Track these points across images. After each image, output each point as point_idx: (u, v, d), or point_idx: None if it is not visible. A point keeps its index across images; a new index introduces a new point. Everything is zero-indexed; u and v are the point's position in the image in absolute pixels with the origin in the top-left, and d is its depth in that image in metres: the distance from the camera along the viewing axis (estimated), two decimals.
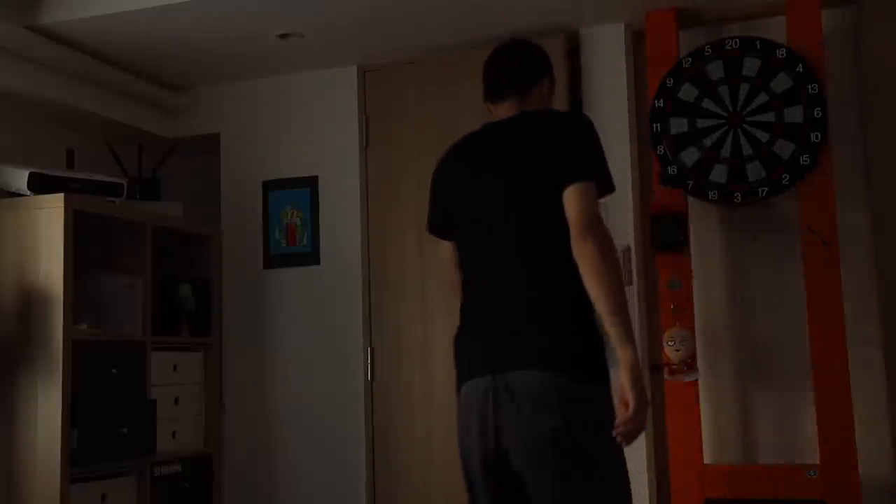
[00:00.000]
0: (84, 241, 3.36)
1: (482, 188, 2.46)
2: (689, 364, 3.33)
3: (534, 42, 2.68)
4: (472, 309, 2.47)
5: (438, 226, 2.60)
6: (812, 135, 3.29)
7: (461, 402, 2.41)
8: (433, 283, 3.69)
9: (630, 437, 2.24)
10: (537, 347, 2.30)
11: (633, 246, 3.53)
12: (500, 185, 2.42)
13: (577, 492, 2.25)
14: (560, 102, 3.39)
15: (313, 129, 3.98)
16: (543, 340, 2.31)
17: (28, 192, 3.29)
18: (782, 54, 3.35)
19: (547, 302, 2.34)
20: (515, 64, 2.61)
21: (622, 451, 2.28)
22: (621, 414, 2.24)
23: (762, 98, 3.38)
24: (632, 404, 2.21)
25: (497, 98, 2.59)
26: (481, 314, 2.43)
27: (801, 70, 3.32)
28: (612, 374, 2.29)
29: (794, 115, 3.33)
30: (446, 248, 2.59)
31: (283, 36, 3.62)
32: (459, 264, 2.54)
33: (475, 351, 2.40)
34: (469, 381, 2.38)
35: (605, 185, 2.41)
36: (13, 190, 3.33)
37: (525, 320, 2.33)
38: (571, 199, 2.32)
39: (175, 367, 3.73)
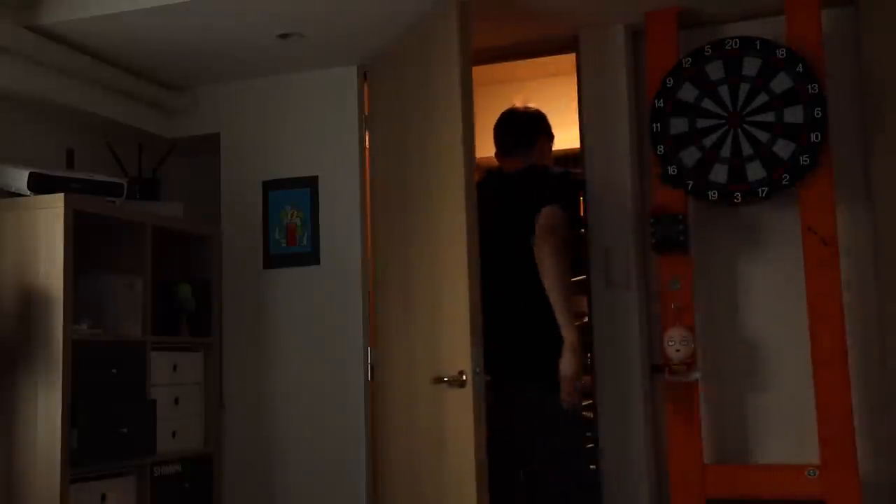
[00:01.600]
0: (84, 241, 3.35)
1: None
2: (689, 364, 3.33)
3: (536, 112, 3.58)
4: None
5: None
6: (812, 135, 3.29)
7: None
8: None
9: None
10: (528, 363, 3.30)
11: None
12: None
13: None
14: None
15: (313, 129, 3.98)
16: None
17: (28, 192, 3.28)
18: (782, 54, 3.36)
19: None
20: (518, 128, 3.54)
21: None
22: None
23: (762, 98, 3.38)
24: None
25: (504, 154, 3.56)
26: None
27: (801, 70, 3.32)
28: None
29: (794, 115, 3.33)
30: None
31: (283, 36, 3.61)
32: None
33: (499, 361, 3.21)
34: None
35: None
36: (13, 190, 3.33)
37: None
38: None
39: (175, 367, 3.73)
